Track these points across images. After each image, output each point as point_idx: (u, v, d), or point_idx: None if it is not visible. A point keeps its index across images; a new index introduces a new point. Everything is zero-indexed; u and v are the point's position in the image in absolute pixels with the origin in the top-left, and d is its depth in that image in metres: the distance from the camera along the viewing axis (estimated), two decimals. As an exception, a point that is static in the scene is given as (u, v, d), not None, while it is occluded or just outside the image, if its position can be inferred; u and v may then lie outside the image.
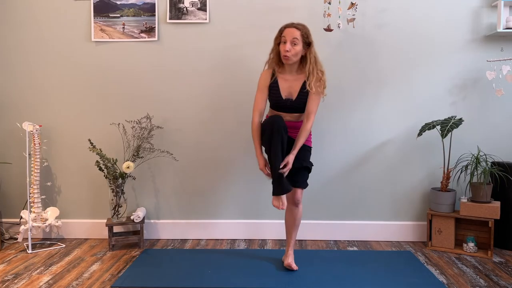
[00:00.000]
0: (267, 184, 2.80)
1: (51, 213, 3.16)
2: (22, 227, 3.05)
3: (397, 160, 3.23)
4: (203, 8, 3.18)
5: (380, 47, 3.18)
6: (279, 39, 2.60)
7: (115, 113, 3.26)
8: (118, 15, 3.20)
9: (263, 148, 2.62)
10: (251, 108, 2.74)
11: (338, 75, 3.16)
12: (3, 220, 3.36)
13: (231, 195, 3.29)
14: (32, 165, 3.11)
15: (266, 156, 2.59)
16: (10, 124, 3.29)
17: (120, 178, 3.07)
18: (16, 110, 3.29)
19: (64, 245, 3.15)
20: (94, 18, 3.20)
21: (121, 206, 3.09)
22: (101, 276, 2.61)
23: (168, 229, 3.31)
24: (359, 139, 3.23)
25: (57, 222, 3.14)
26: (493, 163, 3.09)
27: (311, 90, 2.57)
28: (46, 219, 3.13)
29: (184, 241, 3.26)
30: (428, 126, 2.99)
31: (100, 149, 3.06)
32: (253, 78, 3.05)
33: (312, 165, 2.69)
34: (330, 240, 3.26)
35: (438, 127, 2.98)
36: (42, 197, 3.21)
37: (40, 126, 3.19)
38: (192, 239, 3.29)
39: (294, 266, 2.66)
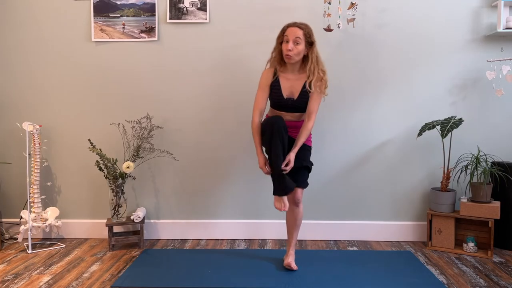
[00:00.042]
0: (267, 184, 2.80)
1: (51, 213, 3.16)
2: (22, 227, 3.05)
3: (397, 160, 3.23)
4: (203, 8, 3.18)
5: (380, 47, 3.18)
6: (281, 38, 2.60)
7: (115, 113, 3.26)
8: (118, 15, 3.20)
9: (264, 148, 2.63)
10: (251, 108, 2.74)
11: (338, 75, 3.16)
12: (3, 220, 3.36)
13: (231, 195, 3.29)
14: (32, 165, 3.11)
15: (266, 155, 2.59)
16: (10, 124, 3.29)
17: (120, 178, 3.07)
18: (16, 110, 3.29)
19: (64, 245, 3.15)
20: (94, 18, 3.20)
21: (121, 206, 3.09)
22: (101, 276, 2.61)
23: (168, 229, 3.31)
24: (359, 139, 3.23)
25: (57, 222, 3.14)
26: (493, 163, 3.09)
27: (311, 90, 2.58)
28: (46, 219, 3.13)
29: (184, 241, 3.26)
30: (428, 126, 2.99)
31: (100, 149, 3.06)
32: (253, 78, 3.05)
33: (312, 164, 2.69)
34: (330, 240, 3.26)
35: (438, 127, 2.98)
36: (42, 197, 3.21)
37: (40, 126, 3.19)
38: (192, 239, 3.29)
39: (294, 266, 2.66)
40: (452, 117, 3.02)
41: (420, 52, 3.17)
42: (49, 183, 3.27)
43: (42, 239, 3.29)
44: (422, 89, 3.19)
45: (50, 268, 2.74)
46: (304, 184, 2.64)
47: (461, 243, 3.06)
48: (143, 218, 3.14)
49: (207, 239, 3.29)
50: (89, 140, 3.10)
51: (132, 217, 3.07)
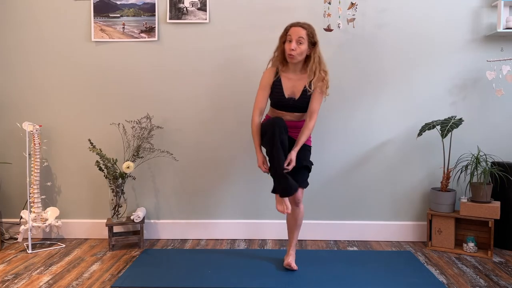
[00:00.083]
0: (267, 184, 2.80)
1: (51, 213, 3.16)
2: (22, 227, 3.05)
3: (397, 160, 3.23)
4: (203, 8, 3.18)
5: (380, 47, 3.18)
6: (284, 38, 2.60)
7: (115, 113, 3.26)
8: (118, 15, 3.20)
9: (264, 150, 2.62)
10: (251, 108, 2.74)
11: (338, 75, 3.16)
12: (3, 220, 3.36)
13: (231, 195, 3.29)
14: (32, 165, 3.11)
15: (264, 154, 2.59)
16: (10, 124, 3.29)
17: (120, 178, 3.07)
18: (16, 110, 3.29)
19: (64, 245, 3.15)
20: (94, 18, 3.20)
21: (121, 206, 3.09)
22: (101, 276, 2.61)
23: (168, 229, 3.31)
24: (359, 139, 3.23)
25: (57, 222, 3.14)
26: (493, 163, 3.09)
27: (314, 90, 2.58)
28: (46, 219, 3.13)
29: (184, 241, 3.26)
30: (428, 126, 2.99)
31: (100, 149, 3.06)
32: (253, 78, 3.05)
33: (312, 164, 2.69)
34: (330, 240, 3.26)
35: (438, 127, 2.98)
36: (42, 197, 3.21)
37: (40, 126, 3.19)
38: (192, 239, 3.29)
39: (294, 266, 2.66)
40: (452, 117, 3.03)
41: (420, 52, 3.17)
42: (49, 183, 3.27)
43: (42, 239, 3.29)
44: (422, 89, 3.19)
45: (50, 268, 2.74)
46: (304, 184, 2.64)
47: (461, 243, 3.06)
48: (143, 218, 3.14)
49: (207, 239, 3.29)
50: (89, 140, 3.10)
51: (132, 217, 3.07)
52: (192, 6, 3.18)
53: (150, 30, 3.20)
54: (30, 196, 3.09)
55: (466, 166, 3.04)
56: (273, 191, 2.54)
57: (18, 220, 3.32)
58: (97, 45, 3.24)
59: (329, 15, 2.99)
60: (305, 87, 2.61)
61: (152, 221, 3.31)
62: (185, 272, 2.65)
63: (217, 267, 2.72)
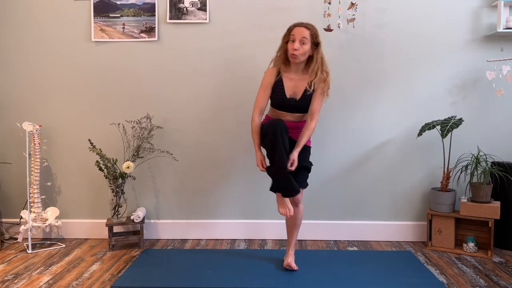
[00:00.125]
0: (267, 184, 2.80)
1: (51, 213, 3.16)
2: (22, 227, 3.05)
3: (397, 160, 3.23)
4: (203, 8, 3.18)
5: (380, 47, 3.18)
6: (287, 37, 2.60)
7: (115, 113, 3.26)
8: (118, 15, 3.20)
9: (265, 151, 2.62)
10: (251, 108, 2.74)
11: (338, 75, 3.16)
12: (3, 220, 3.36)
13: (231, 195, 3.29)
14: (32, 165, 3.11)
15: (263, 154, 2.60)
16: (10, 124, 3.29)
17: (120, 178, 3.07)
18: (16, 110, 3.29)
19: (64, 245, 3.15)
20: (94, 18, 3.20)
21: (121, 206, 3.09)
22: (101, 276, 2.61)
23: (168, 229, 3.31)
24: (359, 139, 3.23)
25: (57, 222, 3.14)
26: (493, 163, 3.09)
27: (310, 90, 2.58)
28: (46, 219, 3.13)
29: (184, 241, 3.26)
30: (428, 126, 2.99)
31: (100, 149, 3.06)
32: (253, 78, 3.05)
33: (311, 164, 2.69)
34: (330, 240, 3.26)
35: (438, 127, 2.98)
36: (42, 197, 3.21)
37: (40, 126, 3.19)
38: (192, 239, 3.29)
39: (294, 266, 2.66)
40: (452, 117, 3.03)
41: (420, 52, 3.17)
42: (49, 183, 3.27)
43: (42, 239, 3.29)
44: (422, 89, 3.19)
45: (50, 268, 2.74)
46: (304, 184, 2.64)
47: (461, 243, 3.06)
48: (143, 218, 3.14)
49: (207, 239, 3.29)
50: (89, 140, 3.10)
51: (132, 217, 3.07)
52: (192, 6, 3.18)
53: (150, 30, 3.20)
54: (30, 196, 3.09)
55: (466, 166, 3.04)
56: (273, 189, 2.53)
57: (18, 220, 3.32)
58: (97, 45, 3.24)
59: (329, 15, 2.99)
60: (306, 87, 2.61)
61: (152, 221, 3.31)
62: (185, 272, 2.65)
63: (217, 267, 2.72)
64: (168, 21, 3.19)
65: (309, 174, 2.69)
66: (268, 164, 2.55)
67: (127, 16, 3.20)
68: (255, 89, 2.74)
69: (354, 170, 3.25)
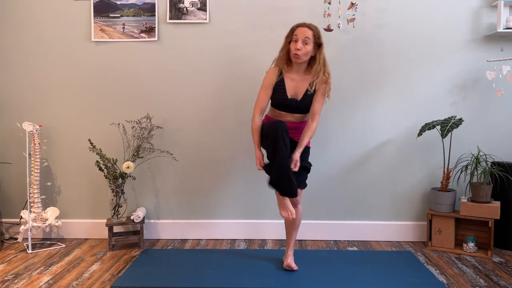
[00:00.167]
0: (267, 184, 2.79)
1: (51, 213, 3.16)
2: (22, 227, 3.05)
3: (397, 160, 3.23)
4: (203, 8, 3.18)
5: (380, 47, 3.18)
6: (290, 37, 2.60)
7: (115, 113, 3.26)
8: (118, 15, 3.20)
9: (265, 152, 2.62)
10: (251, 108, 2.74)
11: (338, 75, 3.16)
12: (3, 220, 3.36)
13: (231, 195, 3.29)
14: (32, 165, 3.11)
15: (262, 153, 2.60)
16: (10, 124, 3.29)
17: (120, 178, 3.07)
18: (16, 110, 3.29)
19: (64, 245, 3.15)
20: (94, 18, 3.20)
21: (121, 206, 3.09)
22: (101, 276, 2.61)
23: (168, 229, 3.31)
24: (359, 139, 3.23)
25: (57, 222, 3.14)
26: (493, 163, 3.09)
27: (316, 91, 2.58)
28: (46, 219, 3.13)
29: (184, 241, 3.26)
30: (428, 126, 2.99)
31: (100, 149, 3.06)
32: (253, 78, 3.05)
33: (311, 165, 2.69)
34: (330, 240, 3.26)
35: (438, 127, 2.98)
36: (42, 197, 3.21)
37: (40, 126, 3.19)
38: (192, 239, 3.29)
39: (294, 266, 2.66)
40: (452, 117, 3.03)
41: (420, 52, 3.17)
42: (49, 183, 3.27)
43: (42, 239, 3.29)
44: (422, 89, 3.19)
45: (50, 268, 2.74)
46: (303, 185, 2.64)
47: (461, 243, 3.06)
48: (143, 218, 3.14)
49: (207, 239, 3.29)
50: (89, 140, 3.10)
51: (132, 217, 3.07)
52: (192, 6, 3.18)
53: (150, 30, 3.20)
54: (30, 196, 3.09)
55: (466, 166, 3.04)
56: (272, 184, 2.50)
57: (18, 220, 3.32)
58: (97, 45, 3.24)
59: (329, 15, 2.99)
60: (307, 87, 2.61)
61: (152, 221, 3.31)
62: (185, 272, 2.65)
63: (217, 267, 2.72)
64: (168, 21, 3.19)
65: (309, 174, 2.69)
66: (266, 161, 2.55)
67: (127, 16, 3.20)
68: (255, 89, 2.74)
69: (354, 170, 3.25)
